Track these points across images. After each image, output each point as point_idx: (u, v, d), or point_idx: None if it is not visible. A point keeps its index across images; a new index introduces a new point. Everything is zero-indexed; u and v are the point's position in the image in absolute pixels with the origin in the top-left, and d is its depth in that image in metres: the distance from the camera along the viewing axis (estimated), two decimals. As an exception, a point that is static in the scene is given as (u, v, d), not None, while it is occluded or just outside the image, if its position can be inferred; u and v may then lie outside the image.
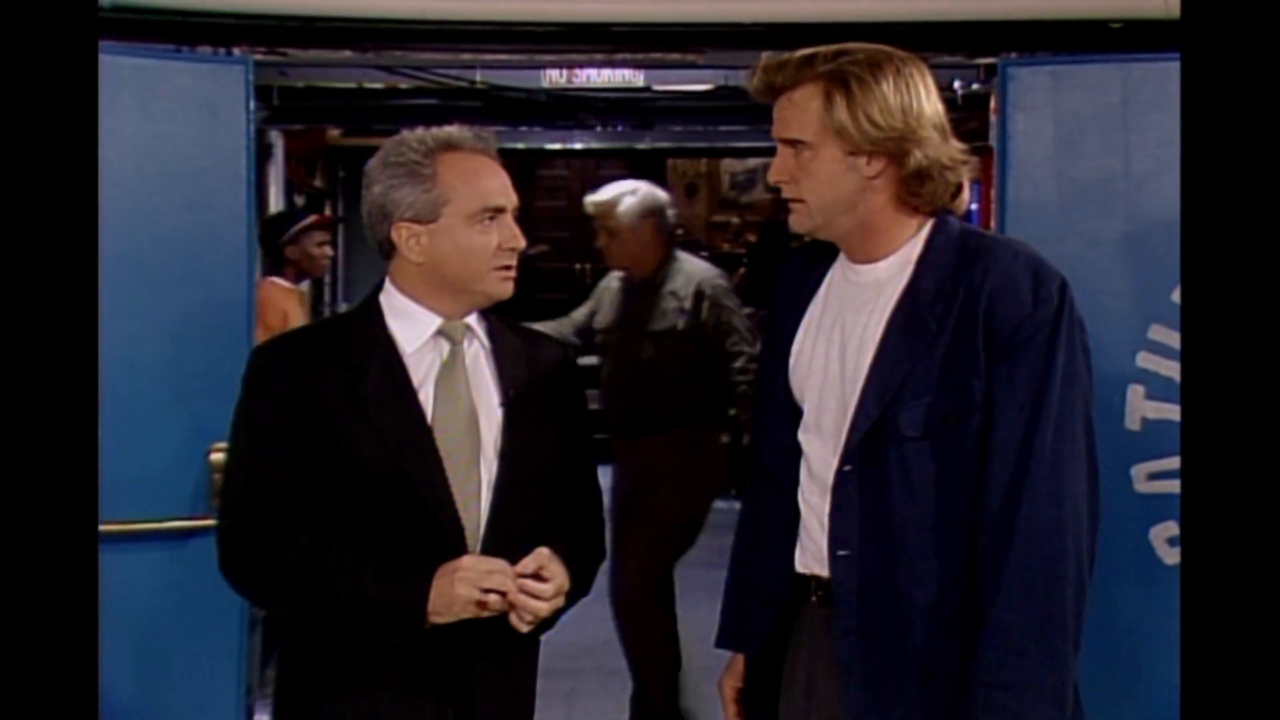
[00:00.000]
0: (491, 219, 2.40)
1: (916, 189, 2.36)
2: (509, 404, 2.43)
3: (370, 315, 2.45)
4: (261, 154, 5.40)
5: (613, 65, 5.48)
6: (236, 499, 2.40)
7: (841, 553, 2.35)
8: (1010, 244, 2.38)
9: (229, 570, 2.42)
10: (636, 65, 5.43)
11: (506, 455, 2.41)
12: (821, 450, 2.40)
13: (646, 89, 5.96)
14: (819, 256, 2.53)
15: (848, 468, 2.35)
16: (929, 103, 2.36)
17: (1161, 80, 3.48)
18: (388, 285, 2.47)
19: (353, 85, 5.69)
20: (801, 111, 2.35)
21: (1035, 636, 2.22)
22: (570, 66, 5.63)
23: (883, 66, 2.35)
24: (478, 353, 2.47)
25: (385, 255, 2.46)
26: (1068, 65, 3.63)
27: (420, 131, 2.44)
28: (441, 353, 2.42)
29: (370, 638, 2.34)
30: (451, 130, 2.45)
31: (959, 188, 2.40)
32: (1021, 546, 2.22)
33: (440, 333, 2.43)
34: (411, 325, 2.42)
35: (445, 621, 2.30)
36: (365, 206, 2.45)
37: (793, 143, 2.37)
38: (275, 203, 5.97)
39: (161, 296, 3.44)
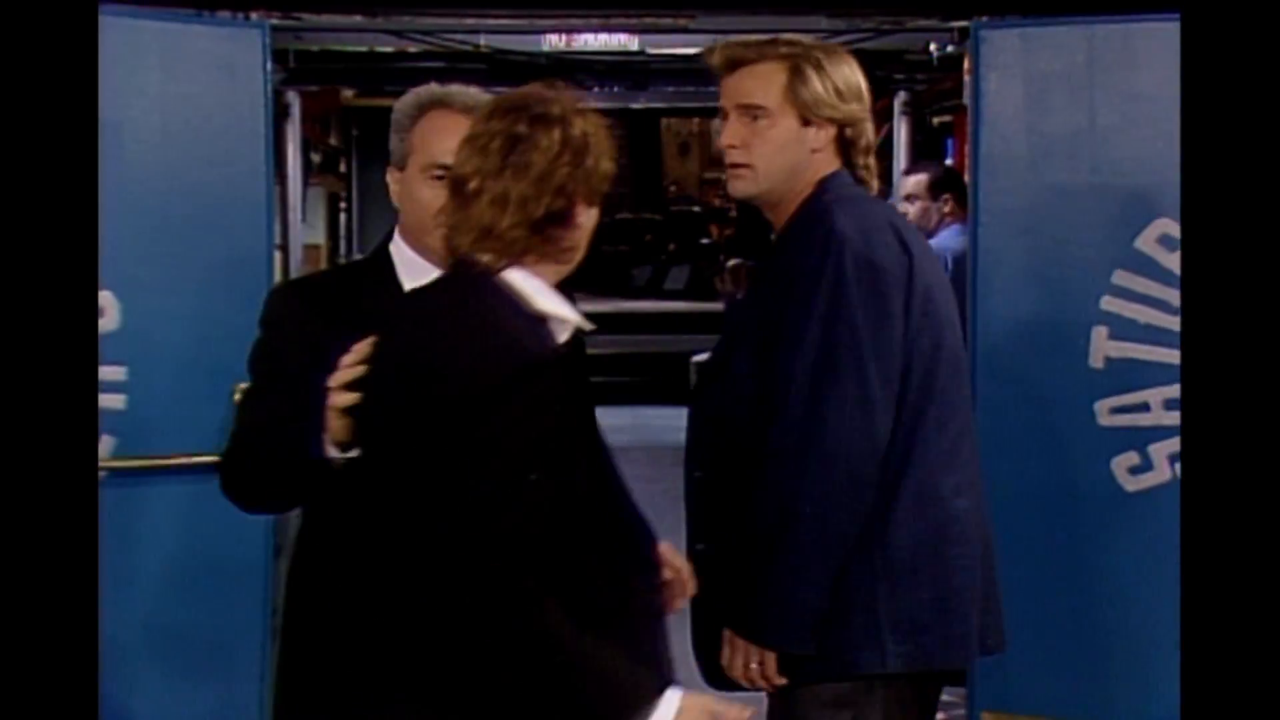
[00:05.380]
0: (441, 177, 2.24)
1: (863, 160, 2.45)
2: None
3: (380, 264, 2.39)
4: (279, 113, 5.36)
5: (609, 30, 5.45)
6: (240, 430, 2.34)
7: (695, 474, 2.51)
8: (824, 205, 2.39)
9: (228, 488, 2.34)
10: (631, 30, 5.40)
11: None
12: None
13: (641, 52, 5.93)
14: None
15: (694, 406, 2.50)
16: (866, 90, 2.48)
17: (1124, 40, 3.47)
18: (395, 234, 2.41)
19: (364, 49, 5.66)
20: (767, 82, 2.40)
21: (765, 544, 2.30)
22: (569, 31, 5.60)
23: (838, 53, 2.46)
24: None
25: None
26: (1036, 27, 3.63)
27: (432, 86, 2.37)
28: None
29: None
30: (450, 88, 2.36)
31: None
32: (768, 464, 2.30)
33: None
34: (415, 274, 2.33)
35: (338, 435, 2.08)
36: None
37: (749, 110, 2.42)
38: (293, 160, 5.93)
39: (187, 246, 3.42)
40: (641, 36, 5.70)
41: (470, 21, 4.82)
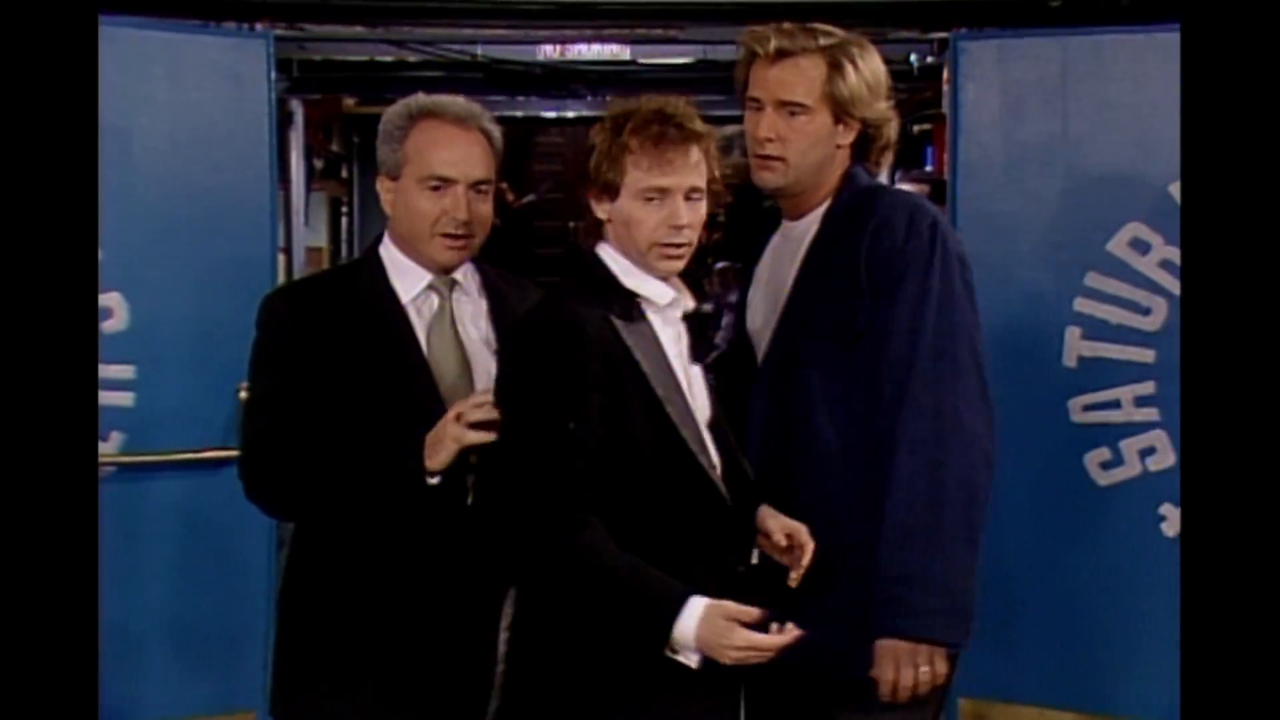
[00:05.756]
0: (438, 188, 2.29)
1: (880, 157, 2.44)
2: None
3: (372, 267, 2.38)
4: (283, 121, 5.38)
5: (601, 40, 5.46)
6: (256, 438, 2.34)
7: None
8: (894, 191, 2.44)
9: (255, 495, 2.36)
10: (623, 40, 5.41)
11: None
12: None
13: (632, 62, 5.93)
14: (770, 224, 2.58)
15: (758, 394, 2.40)
16: (888, 86, 2.44)
17: (1097, 52, 3.50)
18: (385, 238, 2.40)
19: (366, 58, 5.65)
20: (809, 79, 2.37)
21: (921, 534, 2.24)
22: (563, 41, 5.60)
23: (868, 48, 2.41)
24: (469, 305, 2.39)
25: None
26: (1013, 39, 3.64)
27: (420, 96, 2.37)
28: (433, 305, 2.36)
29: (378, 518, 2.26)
30: (440, 99, 2.35)
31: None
32: (905, 455, 2.25)
33: (431, 286, 2.36)
34: (407, 278, 2.35)
35: (442, 465, 2.21)
36: None
37: (788, 106, 2.38)
38: (296, 166, 5.95)
39: (193, 249, 3.44)
40: (633, 47, 5.70)
41: (468, 32, 4.82)
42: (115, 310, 3.34)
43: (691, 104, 2.23)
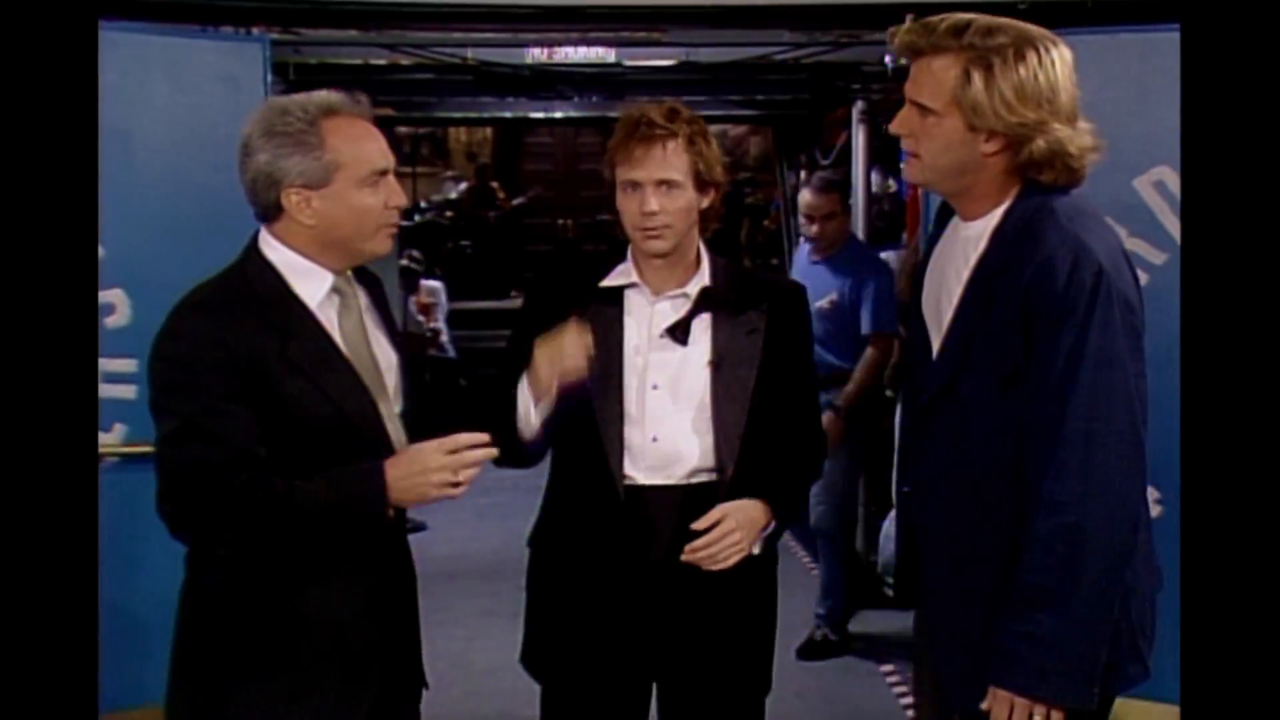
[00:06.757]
0: (378, 182, 2.23)
1: (1036, 173, 2.19)
2: (399, 340, 2.37)
3: (265, 274, 2.25)
4: (280, 123, 5.37)
5: (588, 43, 5.47)
6: (187, 469, 2.15)
7: (904, 489, 2.32)
8: (1063, 226, 2.15)
9: (184, 529, 2.23)
10: (608, 43, 5.42)
11: (407, 390, 2.34)
12: (916, 391, 2.33)
13: (618, 64, 5.93)
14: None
15: (916, 420, 2.29)
16: (1065, 90, 2.17)
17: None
18: (272, 243, 2.26)
19: (360, 62, 5.66)
20: (937, 81, 2.16)
21: (1053, 598, 2.11)
22: (550, 45, 5.61)
23: (1025, 53, 2.15)
24: (360, 299, 2.32)
25: (268, 219, 2.26)
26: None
27: (299, 98, 2.25)
28: (335, 305, 2.27)
29: (334, 547, 2.19)
30: (329, 95, 2.25)
31: (1081, 171, 2.20)
32: (1046, 515, 2.11)
33: (334, 287, 2.27)
34: (310, 282, 2.24)
35: (409, 503, 2.19)
36: (248, 174, 2.23)
37: (917, 105, 2.20)
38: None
39: (193, 246, 3.41)
40: (618, 49, 5.71)
41: (458, 36, 4.84)
42: (117, 306, 3.34)
43: (670, 106, 2.43)
